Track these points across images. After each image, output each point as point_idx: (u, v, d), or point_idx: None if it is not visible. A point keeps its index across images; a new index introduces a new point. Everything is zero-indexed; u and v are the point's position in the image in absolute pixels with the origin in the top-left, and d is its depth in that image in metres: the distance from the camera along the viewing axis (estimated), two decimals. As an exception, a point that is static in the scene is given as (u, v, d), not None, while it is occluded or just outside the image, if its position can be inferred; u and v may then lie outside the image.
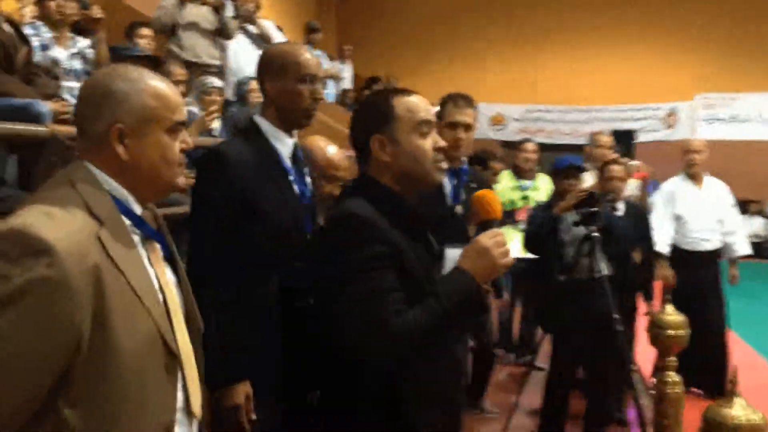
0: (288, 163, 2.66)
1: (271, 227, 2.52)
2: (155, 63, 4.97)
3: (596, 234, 4.59)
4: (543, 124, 17.76)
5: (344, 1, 18.88)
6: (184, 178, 1.66)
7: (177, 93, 1.67)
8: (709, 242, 5.98)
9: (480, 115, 18.00)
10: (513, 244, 5.94)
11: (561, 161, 5.02)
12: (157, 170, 1.60)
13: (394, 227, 1.97)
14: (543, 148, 16.78)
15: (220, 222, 2.46)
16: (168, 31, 6.44)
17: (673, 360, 4.20)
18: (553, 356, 5.02)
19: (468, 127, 3.40)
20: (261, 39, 6.99)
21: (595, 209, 4.52)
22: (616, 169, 5.33)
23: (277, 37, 7.41)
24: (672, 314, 4.18)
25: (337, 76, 9.97)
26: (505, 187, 6.38)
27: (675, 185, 6.12)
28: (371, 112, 2.10)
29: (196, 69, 6.35)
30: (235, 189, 2.48)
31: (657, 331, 4.12)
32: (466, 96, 3.45)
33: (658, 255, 5.89)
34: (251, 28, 7.14)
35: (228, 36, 6.68)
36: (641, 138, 15.92)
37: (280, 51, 2.77)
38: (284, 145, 2.67)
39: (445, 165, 2.14)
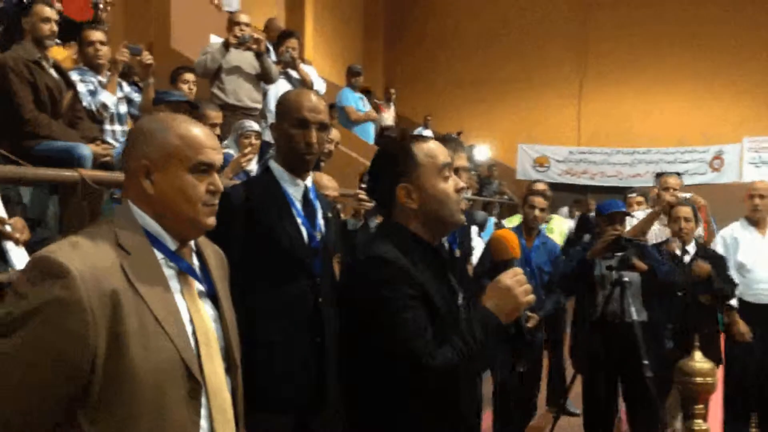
0: (298, 206, 2.73)
1: (274, 269, 2.61)
2: (193, 107, 5.14)
3: (626, 279, 4.60)
4: (587, 166, 17.62)
5: (390, 45, 19.13)
6: (213, 219, 1.74)
7: (209, 137, 1.75)
8: None
9: (524, 156, 17.98)
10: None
11: (605, 206, 5.02)
12: (177, 206, 1.68)
13: (420, 270, 2.04)
14: (587, 190, 16.88)
15: None
16: (211, 75, 6.64)
17: (700, 408, 4.13)
18: (586, 398, 5.00)
19: (465, 171, 3.42)
20: (302, 84, 7.15)
21: (622, 253, 4.53)
22: (685, 210, 5.22)
23: (318, 82, 7.57)
24: (700, 361, 4.14)
25: (375, 118, 10.10)
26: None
27: (735, 231, 5.60)
28: (393, 162, 2.15)
29: (238, 112, 6.52)
30: (235, 232, 2.57)
31: (684, 378, 4.09)
32: (459, 140, 3.56)
33: (729, 308, 5.40)
34: (293, 73, 7.31)
35: (270, 81, 6.85)
36: (687, 181, 15.52)
37: (283, 97, 2.88)
38: (295, 188, 2.75)
39: (464, 205, 2.21)
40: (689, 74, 17.07)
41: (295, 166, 2.75)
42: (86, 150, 4.33)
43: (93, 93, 5.15)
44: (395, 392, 1.99)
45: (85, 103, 4.94)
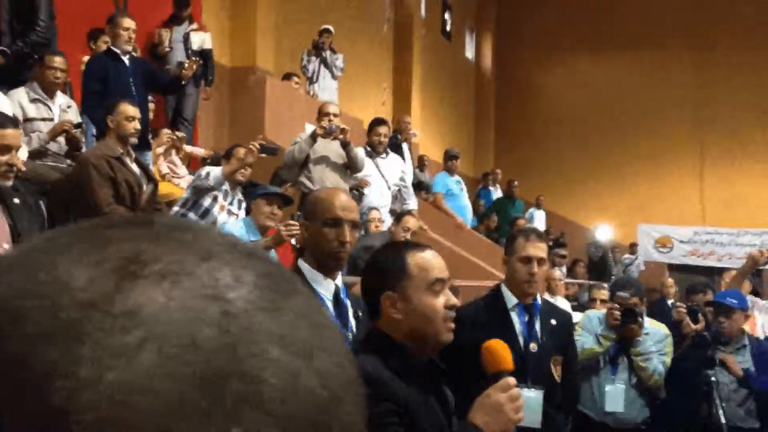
0: (330, 306, 2.67)
1: None
2: (286, 202, 5.19)
3: (713, 380, 4.24)
4: (713, 247, 16.79)
5: (501, 130, 19.08)
6: None
7: None
8: None
9: (645, 237, 17.34)
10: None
11: (717, 295, 4.73)
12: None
13: (405, 382, 1.96)
14: (715, 272, 16.06)
15: None
16: (299, 165, 6.78)
17: None
18: None
19: (541, 261, 3.32)
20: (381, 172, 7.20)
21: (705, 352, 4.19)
22: None
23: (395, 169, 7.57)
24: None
25: (459, 224, 9.72)
26: None
27: None
28: (384, 268, 2.10)
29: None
30: None
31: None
32: (537, 230, 3.46)
33: None
34: (378, 161, 7.39)
35: (356, 170, 6.93)
36: (825, 263, 14.63)
37: (313, 195, 2.95)
38: (326, 288, 2.69)
39: (452, 325, 2.09)
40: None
41: (328, 265, 2.72)
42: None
43: (206, 213, 5.38)
44: None
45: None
